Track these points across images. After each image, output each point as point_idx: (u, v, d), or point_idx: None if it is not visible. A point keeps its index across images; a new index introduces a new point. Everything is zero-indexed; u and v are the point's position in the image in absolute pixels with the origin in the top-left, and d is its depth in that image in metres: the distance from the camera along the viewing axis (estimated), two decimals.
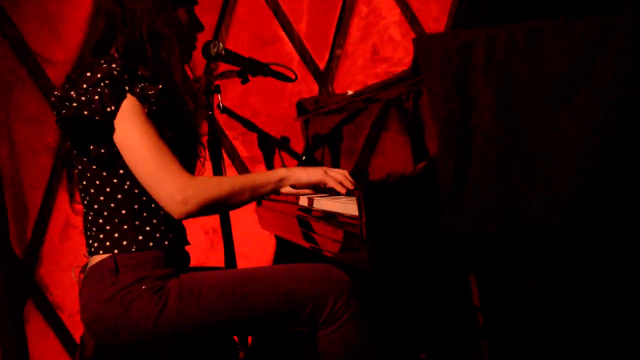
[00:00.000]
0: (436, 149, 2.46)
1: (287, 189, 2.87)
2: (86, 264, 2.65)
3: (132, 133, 2.49)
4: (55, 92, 2.54)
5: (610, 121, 2.43)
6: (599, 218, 2.45)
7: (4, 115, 4.21)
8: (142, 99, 2.51)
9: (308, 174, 2.74)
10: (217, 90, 3.72)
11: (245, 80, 3.67)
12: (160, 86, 2.54)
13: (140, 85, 2.52)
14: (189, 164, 2.68)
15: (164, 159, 2.49)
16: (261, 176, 2.67)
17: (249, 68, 3.62)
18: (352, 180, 2.77)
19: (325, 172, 2.76)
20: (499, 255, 2.52)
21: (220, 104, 3.70)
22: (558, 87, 2.44)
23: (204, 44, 3.42)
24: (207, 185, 2.53)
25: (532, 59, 2.45)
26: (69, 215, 4.27)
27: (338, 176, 2.75)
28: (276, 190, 2.73)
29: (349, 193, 2.80)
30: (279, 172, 2.70)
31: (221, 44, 3.45)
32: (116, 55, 2.60)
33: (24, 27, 4.25)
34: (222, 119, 4.47)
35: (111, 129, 2.50)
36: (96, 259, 2.58)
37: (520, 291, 2.68)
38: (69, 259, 4.29)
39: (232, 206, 2.64)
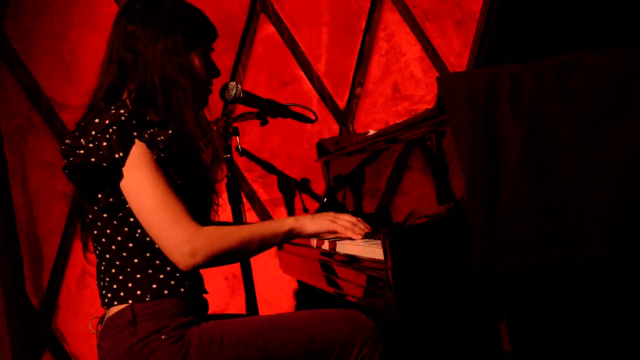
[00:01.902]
0: (461, 187, 2.44)
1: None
2: (104, 315, 2.62)
3: (139, 181, 2.46)
4: (66, 140, 2.52)
5: None
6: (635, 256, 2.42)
7: (19, 162, 4.23)
8: (151, 145, 2.48)
9: (316, 223, 2.73)
10: (236, 132, 3.70)
11: (264, 122, 3.65)
12: (170, 132, 2.51)
13: (149, 131, 2.49)
14: (201, 212, 2.66)
15: (172, 208, 2.46)
16: (269, 227, 2.66)
17: (268, 109, 3.60)
18: (365, 226, 2.78)
19: (334, 219, 2.75)
20: (530, 297, 2.49)
21: (239, 147, 3.69)
22: (591, 120, 2.41)
23: (221, 86, 3.40)
24: (216, 236, 2.51)
25: (561, 94, 2.42)
26: (85, 264, 4.22)
27: (347, 224, 2.76)
28: (287, 241, 2.73)
29: (370, 236, 2.79)
30: (287, 223, 2.68)
31: (239, 86, 3.42)
32: (128, 101, 2.58)
33: (38, 71, 4.31)
34: (240, 161, 4.47)
35: (119, 177, 2.47)
36: (113, 310, 2.55)
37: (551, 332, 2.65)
38: (87, 308, 4.29)
39: (241, 257, 2.67)
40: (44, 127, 4.26)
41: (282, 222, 2.68)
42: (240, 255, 2.62)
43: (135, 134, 2.46)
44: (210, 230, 2.50)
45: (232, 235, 2.54)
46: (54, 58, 4.30)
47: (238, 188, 3.73)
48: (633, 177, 2.38)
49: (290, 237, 2.69)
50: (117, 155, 2.43)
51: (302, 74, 4.67)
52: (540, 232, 2.36)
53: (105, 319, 2.58)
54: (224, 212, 2.86)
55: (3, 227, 4.17)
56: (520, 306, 2.49)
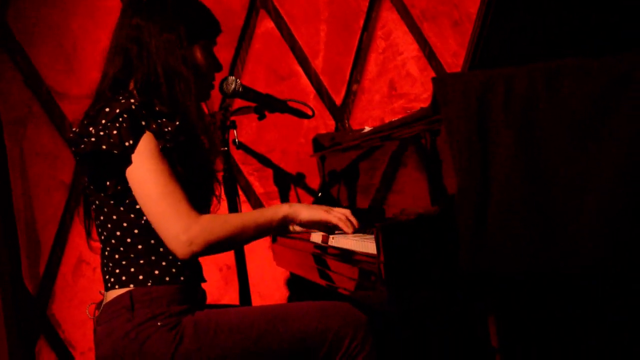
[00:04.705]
0: (454, 186, 2.45)
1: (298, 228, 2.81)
2: (101, 301, 2.64)
3: (144, 169, 2.50)
4: (74, 129, 2.55)
5: (637, 160, 2.40)
6: (625, 263, 2.40)
7: (18, 151, 4.24)
8: (159, 135, 2.52)
9: (310, 211, 2.69)
10: (233, 125, 3.71)
11: (262, 117, 3.67)
12: (178, 123, 2.54)
13: (157, 121, 2.52)
14: (203, 201, 2.70)
15: (173, 198, 2.49)
16: (264, 215, 2.65)
17: (266, 104, 3.61)
18: (356, 220, 2.73)
19: (327, 211, 2.72)
20: (517, 297, 2.50)
21: (236, 140, 3.70)
22: (580, 127, 2.42)
23: (221, 80, 3.42)
24: (213, 225, 2.53)
25: (552, 99, 2.44)
26: (82, 252, 4.27)
27: (341, 215, 2.71)
28: (282, 228, 2.69)
29: (363, 231, 2.79)
30: (281, 210, 2.67)
31: (238, 80, 3.45)
32: (135, 92, 2.60)
33: (39, 61, 4.31)
34: (237, 154, 4.48)
35: (127, 164, 2.50)
36: (112, 294, 2.58)
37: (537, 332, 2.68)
38: (82, 295, 4.29)
39: (237, 245, 2.69)
40: (43, 116, 4.27)
41: (277, 209, 2.66)
42: (236, 242, 2.64)
43: (144, 123, 2.50)
44: (207, 218, 2.53)
45: (228, 224, 2.57)
46: (54, 49, 4.31)
47: (234, 181, 3.73)
48: (623, 182, 2.39)
49: (284, 224, 2.66)
50: (127, 144, 2.47)
51: (299, 69, 4.67)
52: (531, 239, 2.37)
53: (102, 304, 2.60)
54: (220, 205, 2.89)
55: (1, 215, 4.17)
56: (509, 304, 2.52)
